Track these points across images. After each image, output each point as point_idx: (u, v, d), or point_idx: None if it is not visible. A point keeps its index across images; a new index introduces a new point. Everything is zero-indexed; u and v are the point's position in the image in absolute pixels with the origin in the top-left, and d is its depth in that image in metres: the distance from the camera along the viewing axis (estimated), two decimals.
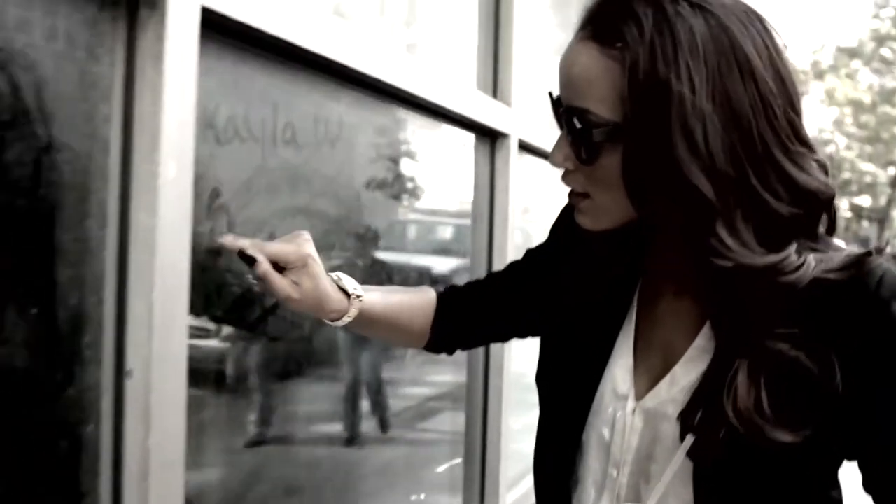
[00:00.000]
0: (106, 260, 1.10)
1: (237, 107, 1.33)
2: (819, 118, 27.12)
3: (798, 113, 1.02)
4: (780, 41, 1.03)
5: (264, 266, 1.12)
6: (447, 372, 2.57)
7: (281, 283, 1.14)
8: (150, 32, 1.09)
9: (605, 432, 1.12)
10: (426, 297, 1.38)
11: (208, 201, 1.27)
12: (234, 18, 1.20)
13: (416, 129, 2.14)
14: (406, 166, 2.12)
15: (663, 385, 1.09)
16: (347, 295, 1.23)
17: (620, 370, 1.14)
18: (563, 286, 1.25)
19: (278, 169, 1.43)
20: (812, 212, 1.03)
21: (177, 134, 1.11)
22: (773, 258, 0.99)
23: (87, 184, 1.08)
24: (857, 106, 26.60)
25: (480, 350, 2.48)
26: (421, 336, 1.37)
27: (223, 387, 1.51)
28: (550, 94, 1.09)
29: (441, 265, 2.69)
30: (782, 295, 0.99)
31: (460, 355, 2.28)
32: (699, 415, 1.03)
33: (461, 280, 1.43)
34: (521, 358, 2.49)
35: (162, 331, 1.10)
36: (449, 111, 2.07)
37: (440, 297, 1.38)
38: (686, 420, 1.04)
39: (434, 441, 2.56)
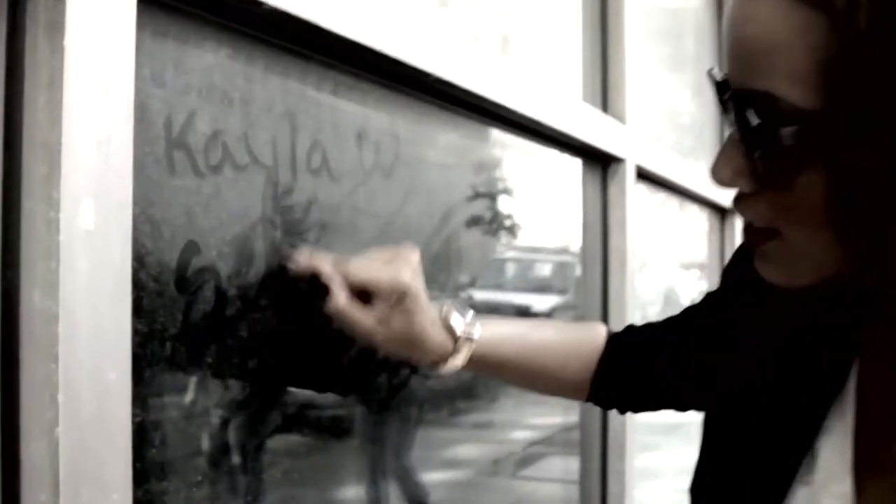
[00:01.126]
0: None
1: (229, 118, 0.88)
2: None
3: None
4: None
5: (339, 302, 0.90)
6: (555, 413, 2.06)
7: (361, 319, 0.92)
8: None
9: None
10: (592, 338, 1.12)
11: (181, 262, 0.81)
12: None
13: (504, 149, 1.67)
14: (493, 198, 1.64)
15: None
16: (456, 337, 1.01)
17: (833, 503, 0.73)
18: (738, 358, 0.86)
19: (301, 209, 0.98)
20: None
21: (95, 158, 0.66)
22: None
23: None
24: None
25: None
26: (579, 386, 1.11)
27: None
28: (711, 74, 0.68)
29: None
30: None
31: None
32: None
33: None
34: None
35: (75, 491, 0.65)
36: (548, 128, 1.59)
37: (611, 338, 1.12)
38: None
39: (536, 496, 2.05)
